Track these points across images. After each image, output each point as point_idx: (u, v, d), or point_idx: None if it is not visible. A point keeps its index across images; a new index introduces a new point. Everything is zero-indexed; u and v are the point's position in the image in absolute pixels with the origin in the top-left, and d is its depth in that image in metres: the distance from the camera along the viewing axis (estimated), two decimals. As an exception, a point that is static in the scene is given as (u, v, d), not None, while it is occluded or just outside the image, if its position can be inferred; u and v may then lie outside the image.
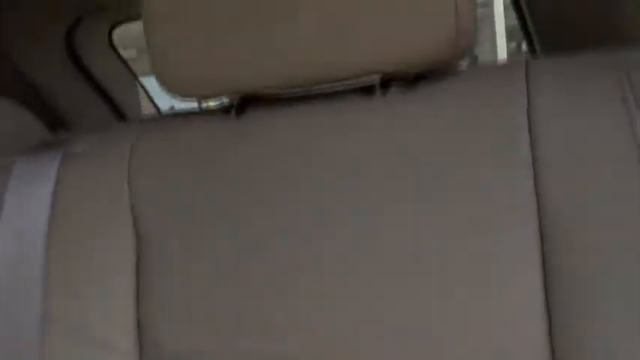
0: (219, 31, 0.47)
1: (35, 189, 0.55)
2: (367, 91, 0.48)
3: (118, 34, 1.22)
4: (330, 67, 0.46)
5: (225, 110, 0.53)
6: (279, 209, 0.48)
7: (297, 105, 0.50)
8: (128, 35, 1.20)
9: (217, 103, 0.56)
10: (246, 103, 0.52)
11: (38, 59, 1.08)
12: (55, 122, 1.16)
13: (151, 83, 1.41)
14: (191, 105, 0.56)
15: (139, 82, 1.31)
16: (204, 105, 0.58)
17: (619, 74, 0.43)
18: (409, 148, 0.46)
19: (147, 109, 1.36)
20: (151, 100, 1.38)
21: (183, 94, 0.51)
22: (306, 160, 0.49)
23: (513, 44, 5.96)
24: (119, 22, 1.17)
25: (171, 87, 0.50)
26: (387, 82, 0.48)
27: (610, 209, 0.41)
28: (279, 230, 0.48)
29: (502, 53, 5.65)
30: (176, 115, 0.57)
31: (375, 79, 0.48)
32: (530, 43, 0.94)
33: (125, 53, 1.24)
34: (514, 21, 0.96)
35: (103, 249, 0.53)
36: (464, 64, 0.51)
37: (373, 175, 0.46)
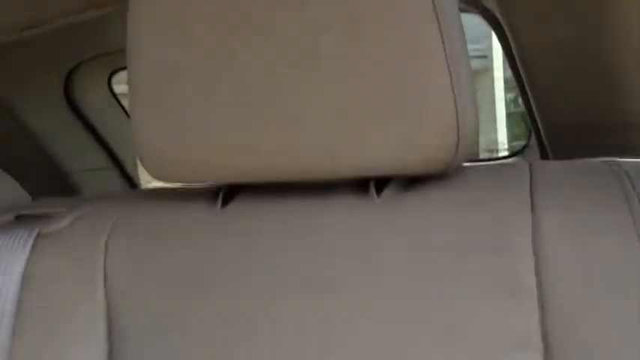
0: (205, 118, 0.45)
1: (5, 266, 0.53)
2: (362, 186, 0.46)
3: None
4: (321, 166, 0.44)
5: (212, 193, 0.51)
6: (261, 317, 0.45)
7: (286, 197, 0.48)
8: (125, 73, 1.19)
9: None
10: (233, 188, 0.50)
11: (36, 105, 1.08)
12: (51, 169, 1.15)
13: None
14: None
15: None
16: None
17: (625, 186, 0.41)
18: (401, 258, 0.43)
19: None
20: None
21: (168, 180, 0.49)
22: (294, 262, 0.45)
23: (511, 95, 6.05)
24: (119, 69, 1.16)
25: (155, 172, 0.49)
26: (382, 182, 0.46)
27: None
28: (260, 343, 0.45)
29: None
30: (159, 193, 0.55)
31: (370, 182, 0.46)
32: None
33: (118, 88, 1.24)
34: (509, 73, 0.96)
35: (72, 339, 0.50)
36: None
37: (363, 287, 0.43)
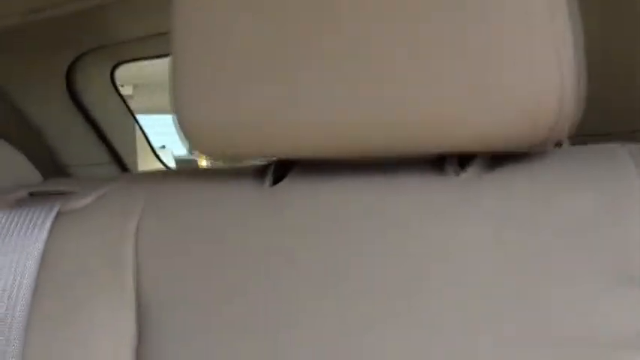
0: (257, 88, 0.40)
1: (22, 245, 0.49)
2: (437, 163, 0.41)
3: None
4: (391, 141, 0.38)
5: (258, 171, 0.47)
6: (315, 311, 0.39)
7: (346, 175, 0.43)
8: (125, 72, 1.19)
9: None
10: (284, 165, 0.46)
11: (37, 96, 1.06)
12: (50, 162, 1.14)
13: (146, 121, 1.42)
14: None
15: (136, 121, 1.30)
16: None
17: None
18: (484, 246, 0.37)
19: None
20: (147, 139, 1.36)
21: (216, 156, 0.45)
22: (355, 248, 0.40)
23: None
24: (122, 62, 1.16)
25: (202, 147, 0.44)
26: (463, 160, 0.41)
27: None
28: (307, 335, 0.39)
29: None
30: (194, 173, 0.51)
31: (453, 159, 0.40)
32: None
33: (121, 90, 1.23)
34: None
35: (96, 321, 0.46)
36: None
37: (433, 277, 0.38)
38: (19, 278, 0.47)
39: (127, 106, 1.24)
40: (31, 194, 0.57)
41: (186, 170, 0.54)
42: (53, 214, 0.50)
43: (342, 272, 0.40)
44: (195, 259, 0.44)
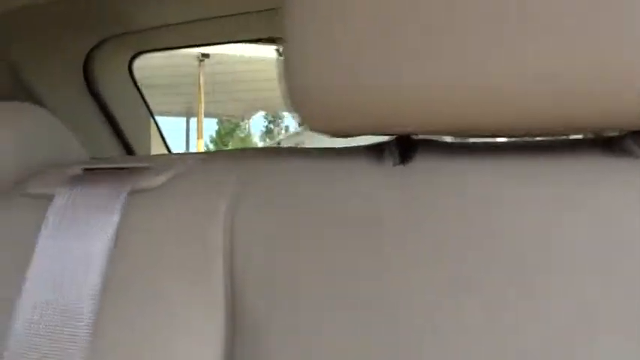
0: (382, 56, 0.35)
1: (89, 228, 0.43)
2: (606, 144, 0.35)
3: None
4: (548, 117, 0.32)
5: (376, 150, 0.41)
6: (442, 311, 0.34)
7: (485, 157, 0.38)
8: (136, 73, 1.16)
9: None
10: (408, 144, 0.41)
11: (53, 81, 1.03)
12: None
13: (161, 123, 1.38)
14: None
15: (152, 117, 1.26)
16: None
17: None
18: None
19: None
20: (163, 140, 1.32)
21: (333, 132, 0.40)
22: (496, 240, 0.34)
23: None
24: (141, 52, 1.12)
25: (317, 124, 0.39)
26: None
27: None
28: (445, 332, 0.33)
29: None
30: (294, 151, 0.45)
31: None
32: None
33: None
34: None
35: (176, 316, 0.40)
36: None
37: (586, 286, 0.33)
38: (87, 266, 0.42)
39: (144, 101, 1.21)
40: (86, 171, 0.51)
41: (276, 150, 0.48)
42: (124, 193, 0.44)
43: (471, 267, 0.35)
44: (304, 247, 0.38)
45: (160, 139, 1.32)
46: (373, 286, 0.36)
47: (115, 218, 0.43)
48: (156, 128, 1.29)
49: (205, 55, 5.01)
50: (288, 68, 0.38)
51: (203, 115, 6.01)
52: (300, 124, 0.43)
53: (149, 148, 1.26)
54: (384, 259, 0.36)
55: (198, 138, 6.21)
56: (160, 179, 0.45)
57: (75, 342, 0.40)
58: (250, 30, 0.97)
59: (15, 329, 0.41)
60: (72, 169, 0.51)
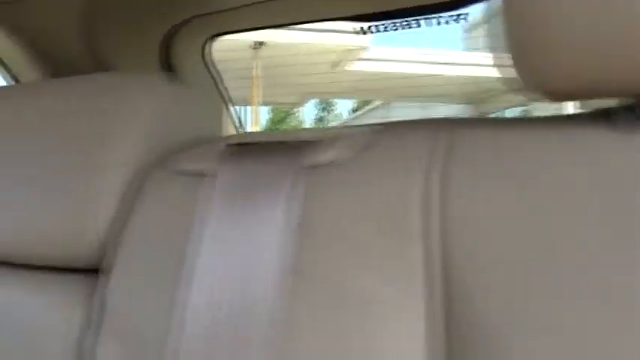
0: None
1: (265, 211, 0.37)
2: None
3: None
4: None
5: (601, 116, 0.36)
6: None
7: None
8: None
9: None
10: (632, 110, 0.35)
11: (130, 62, 1.00)
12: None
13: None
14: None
15: (225, 105, 1.21)
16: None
17: None
18: None
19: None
20: (239, 125, 1.27)
21: (576, 96, 0.35)
22: None
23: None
24: (215, 35, 1.07)
25: (540, 85, 0.34)
26: None
27: None
28: None
29: None
30: (498, 121, 0.40)
31: None
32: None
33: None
34: None
35: (377, 304, 0.34)
36: None
37: None
38: (270, 252, 0.37)
39: (219, 88, 1.16)
40: (242, 146, 0.45)
41: (480, 120, 0.42)
42: (302, 168, 0.39)
43: None
44: (537, 226, 0.33)
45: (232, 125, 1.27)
46: (625, 275, 0.30)
47: (295, 196, 0.37)
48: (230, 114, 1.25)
49: (260, 43, 4.99)
50: (515, 39, 0.33)
51: (258, 104, 6.02)
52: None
53: (221, 134, 1.22)
54: (636, 240, 0.30)
55: (255, 125, 6.22)
56: (344, 154, 0.39)
57: (259, 345, 0.35)
58: (336, 7, 0.90)
59: (185, 329, 0.36)
60: (224, 144, 0.46)
